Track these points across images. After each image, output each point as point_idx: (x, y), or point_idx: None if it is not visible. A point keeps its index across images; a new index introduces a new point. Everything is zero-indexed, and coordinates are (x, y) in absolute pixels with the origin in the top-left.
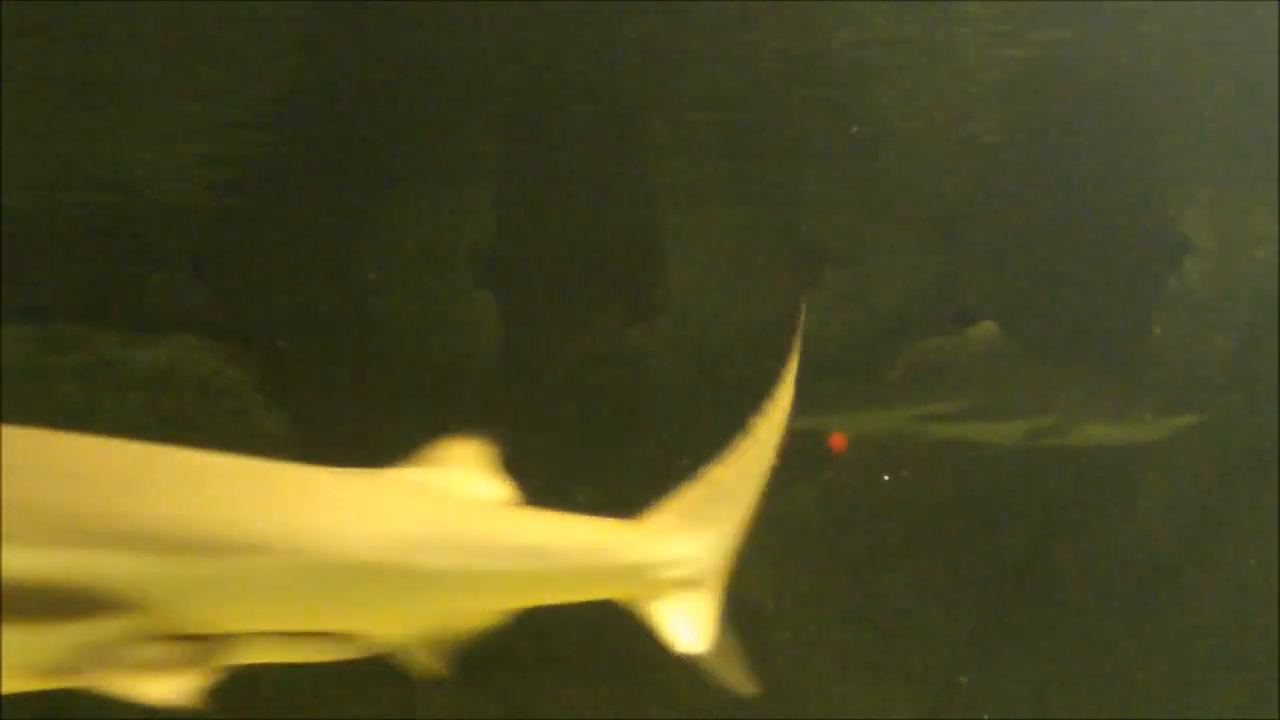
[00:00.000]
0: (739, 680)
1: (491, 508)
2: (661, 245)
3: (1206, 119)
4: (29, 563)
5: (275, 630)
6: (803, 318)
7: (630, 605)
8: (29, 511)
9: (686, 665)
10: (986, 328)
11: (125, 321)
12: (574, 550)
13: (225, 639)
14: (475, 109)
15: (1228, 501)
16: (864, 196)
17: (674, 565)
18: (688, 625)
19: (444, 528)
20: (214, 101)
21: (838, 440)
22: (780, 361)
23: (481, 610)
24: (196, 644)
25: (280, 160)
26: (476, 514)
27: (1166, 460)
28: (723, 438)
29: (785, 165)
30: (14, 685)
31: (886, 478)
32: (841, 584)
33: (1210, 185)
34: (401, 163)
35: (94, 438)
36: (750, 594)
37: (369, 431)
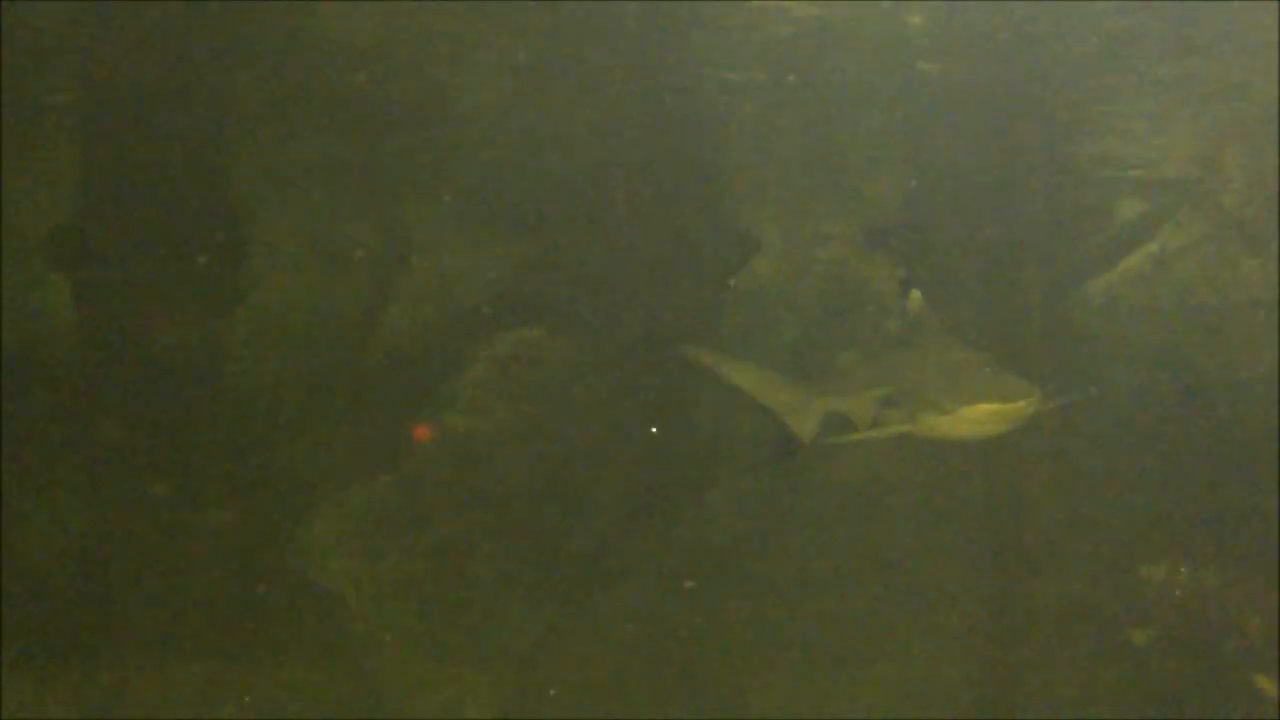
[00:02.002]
0: None
1: None
2: (243, 233)
3: (776, 124)
4: None
5: None
6: None
7: None
8: None
9: None
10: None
11: None
12: None
13: None
14: (53, 91)
15: (794, 492)
16: (450, 187)
17: None
18: None
19: None
20: None
21: (421, 431)
22: (364, 353)
23: None
24: None
25: None
26: None
27: (739, 447)
28: (306, 428)
29: (372, 153)
30: None
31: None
32: (423, 573)
33: (779, 186)
34: None
35: None
36: (332, 584)
37: None
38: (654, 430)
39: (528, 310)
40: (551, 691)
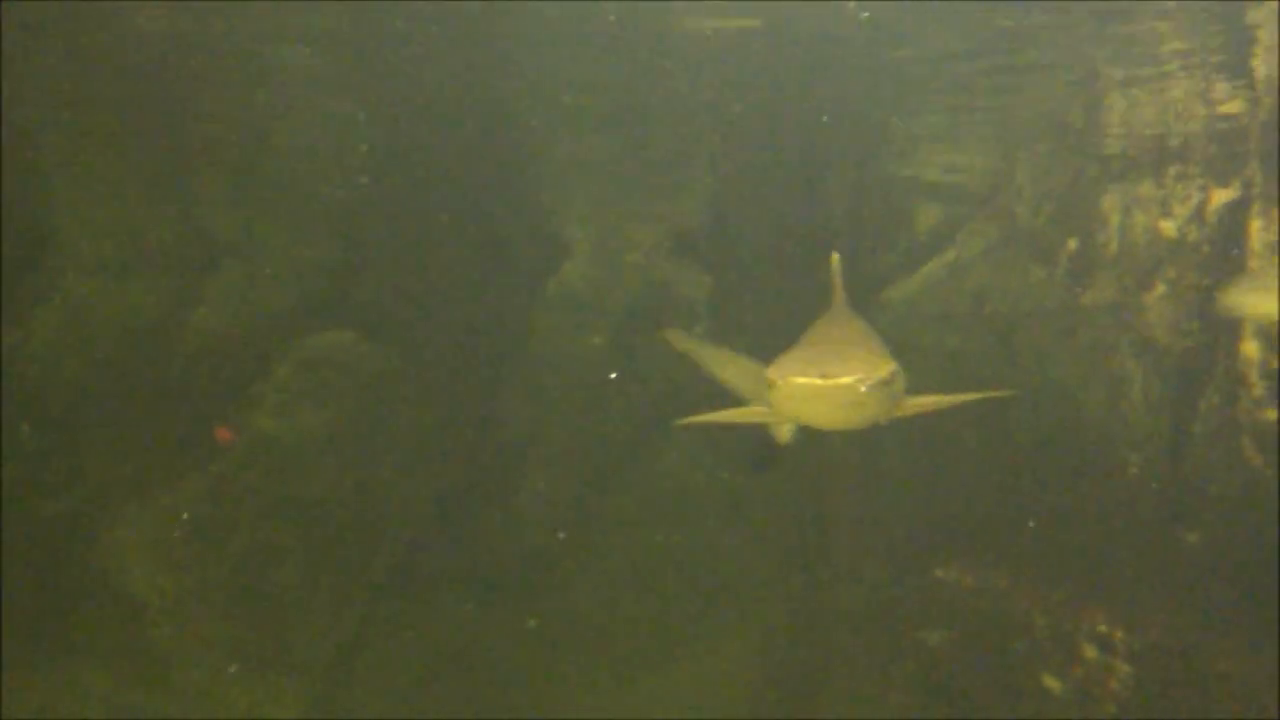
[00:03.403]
0: None
1: None
2: (43, 234)
3: (587, 135)
4: None
5: None
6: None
7: None
8: None
9: None
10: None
11: None
12: None
13: None
14: None
15: (602, 494)
16: (257, 192)
17: None
18: None
19: None
20: None
21: (224, 434)
22: (169, 360)
23: None
24: None
25: None
26: None
27: (548, 451)
28: (111, 431)
29: (180, 154)
30: None
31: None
32: (228, 578)
33: (588, 195)
34: None
35: None
36: (135, 589)
37: None
38: (465, 434)
39: (337, 314)
40: (358, 695)
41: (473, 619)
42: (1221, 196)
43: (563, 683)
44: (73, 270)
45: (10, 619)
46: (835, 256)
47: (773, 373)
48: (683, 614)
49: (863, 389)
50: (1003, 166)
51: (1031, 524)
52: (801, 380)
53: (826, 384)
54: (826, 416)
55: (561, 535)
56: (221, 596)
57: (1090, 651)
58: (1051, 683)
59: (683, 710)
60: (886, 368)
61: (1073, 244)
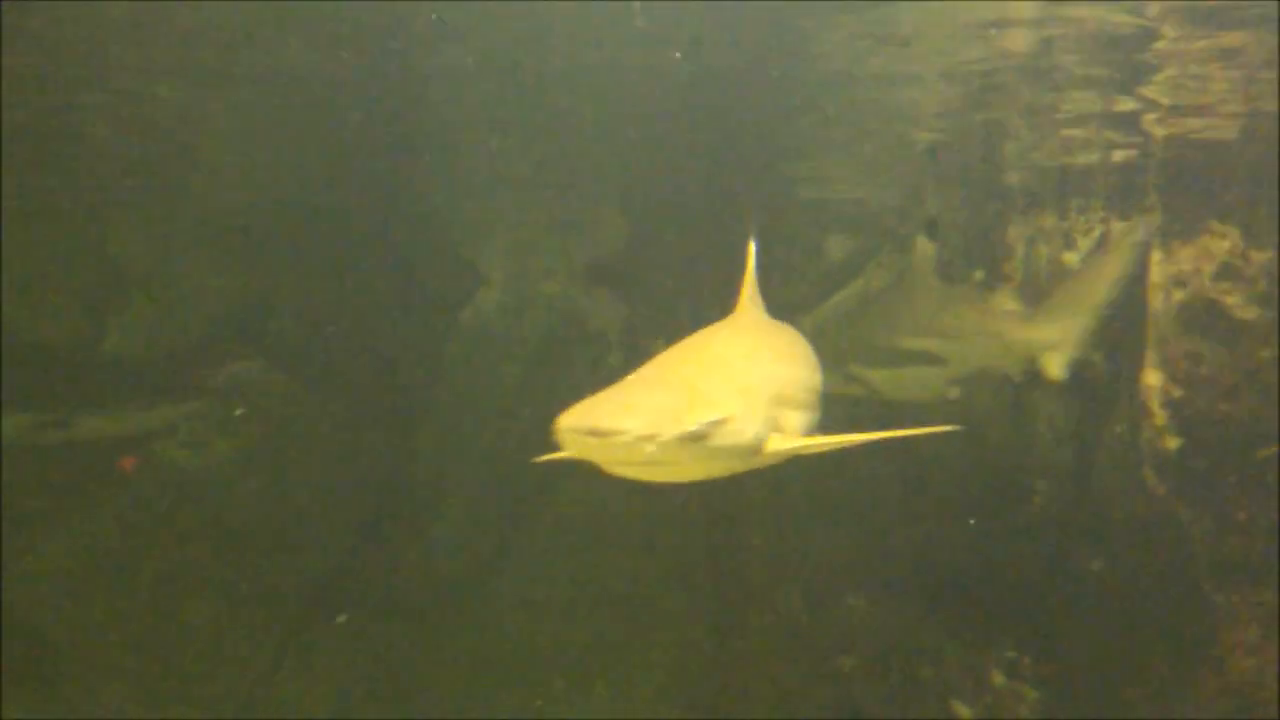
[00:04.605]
0: None
1: None
2: None
3: (502, 162)
4: None
5: None
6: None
7: None
8: None
9: None
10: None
11: None
12: None
13: None
14: None
15: (518, 519)
16: (169, 215)
17: None
18: None
19: None
20: None
21: (129, 462)
22: (80, 383)
23: None
24: None
25: None
26: None
27: (463, 480)
28: (20, 459)
29: (87, 182)
30: None
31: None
32: (139, 609)
33: (505, 222)
34: None
35: None
36: (42, 619)
37: None
38: (380, 463)
39: (248, 343)
40: None
41: (389, 649)
42: (1122, 229)
43: (481, 711)
44: None
45: None
46: (751, 245)
47: (561, 421)
48: (601, 641)
49: (650, 448)
50: (910, 204)
51: (939, 553)
52: (572, 433)
53: (601, 442)
54: (645, 471)
55: (478, 563)
56: (131, 628)
57: (999, 678)
58: (961, 710)
59: None
60: (700, 417)
61: (979, 274)
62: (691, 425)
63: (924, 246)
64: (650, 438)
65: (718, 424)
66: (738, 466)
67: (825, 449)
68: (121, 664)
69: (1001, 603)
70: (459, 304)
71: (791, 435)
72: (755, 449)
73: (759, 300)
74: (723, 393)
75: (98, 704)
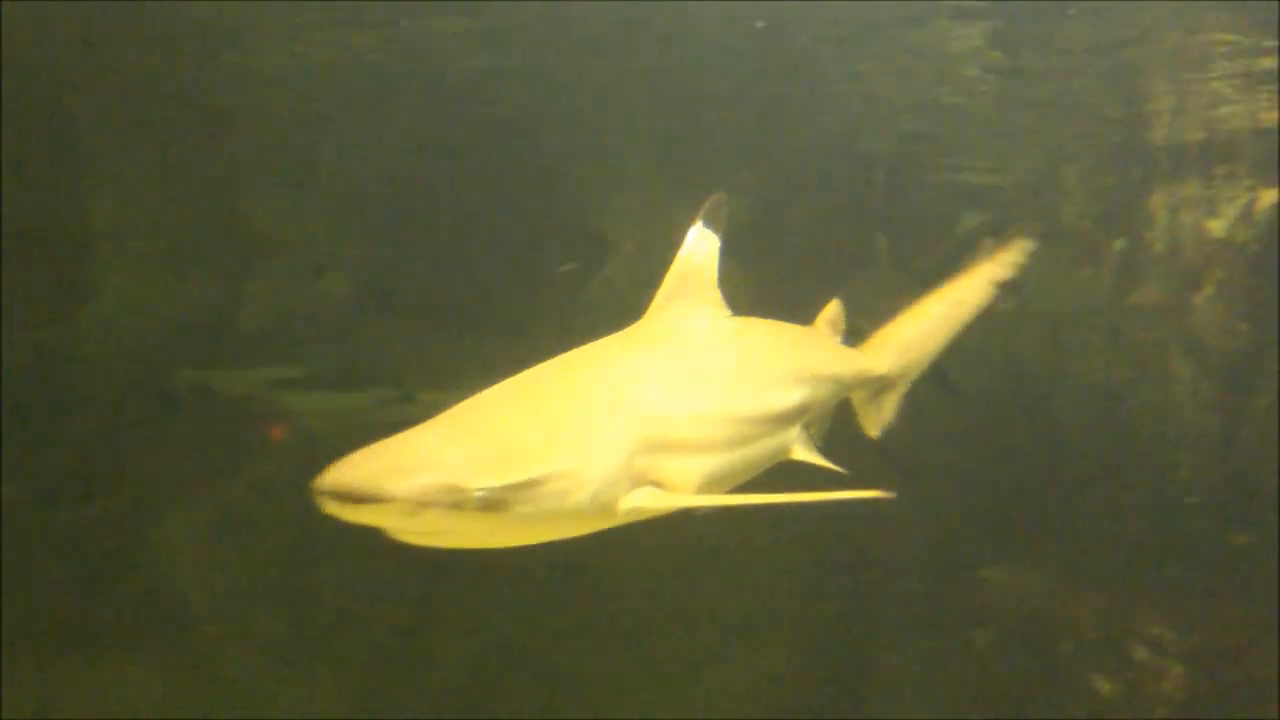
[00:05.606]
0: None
1: None
2: (87, 233)
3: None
4: None
5: None
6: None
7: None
8: None
9: None
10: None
11: None
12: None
13: None
14: None
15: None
16: (301, 184)
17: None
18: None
19: None
20: None
21: (276, 431)
22: (204, 356)
23: None
24: None
25: None
26: None
27: None
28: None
29: (220, 151)
30: None
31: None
32: (273, 576)
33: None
34: None
35: None
36: (181, 587)
37: None
38: None
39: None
40: (403, 692)
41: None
42: (1269, 197)
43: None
44: (117, 268)
45: (57, 620)
46: (715, 207)
47: (319, 482)
48: (728, 615)
49: (431, 517)
50: (1049, 169)
51: (1080, 525)
52: (328, 497)
53: (368, 509)
54: (459, 541)
55: None
56: (265, 595)
57: (1141, 653)
58: (1101, 684)
59: (730, 709)
60: (498, 477)
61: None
62: (476, 491)
63: None
64: (426, 504)
65: (521, 487)
66: (583, 529)
67: (715, 508)
68: (257, 629)
69: (1144, 576)
70: (589, 275)
71: (678, 490)
72: (600, 511)
73: (713, 293)
74: (547, 440)
75: (235, 666)
